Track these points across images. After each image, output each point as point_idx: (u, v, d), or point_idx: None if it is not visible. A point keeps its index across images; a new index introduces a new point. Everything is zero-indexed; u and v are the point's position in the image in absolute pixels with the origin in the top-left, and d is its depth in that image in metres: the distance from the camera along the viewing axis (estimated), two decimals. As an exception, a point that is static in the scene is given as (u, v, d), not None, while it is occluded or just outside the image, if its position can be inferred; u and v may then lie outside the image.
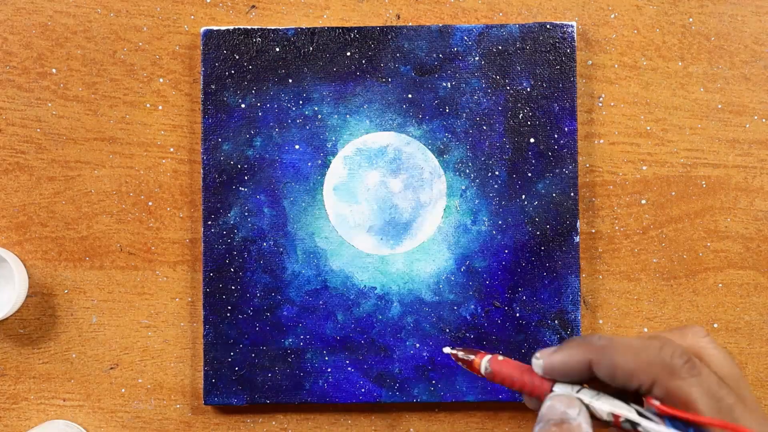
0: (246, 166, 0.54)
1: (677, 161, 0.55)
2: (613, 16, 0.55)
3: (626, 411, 0.40)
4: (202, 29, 0.54)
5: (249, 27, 0.54)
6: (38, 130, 0.55)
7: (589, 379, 0.41)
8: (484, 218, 0.54)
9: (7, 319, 0.55)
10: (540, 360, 0.42)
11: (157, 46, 0.55)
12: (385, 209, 0.54)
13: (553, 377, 0.41)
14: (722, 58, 0.55)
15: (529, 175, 0.54)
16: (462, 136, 0.54)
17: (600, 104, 0.55)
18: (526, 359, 0.54)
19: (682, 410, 0.40)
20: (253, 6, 0.55)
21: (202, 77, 0.54)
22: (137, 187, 0.55)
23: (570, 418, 0.41)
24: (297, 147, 0.54)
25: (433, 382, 0.54)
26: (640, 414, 0.40)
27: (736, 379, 0.40)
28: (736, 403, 0.39)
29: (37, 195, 0.55)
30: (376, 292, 0.54)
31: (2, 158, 0.55)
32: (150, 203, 0.55)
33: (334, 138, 0.54)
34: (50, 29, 0.55)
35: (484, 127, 0.54)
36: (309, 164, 0.54)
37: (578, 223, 0.54)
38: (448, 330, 0.54)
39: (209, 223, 0.54)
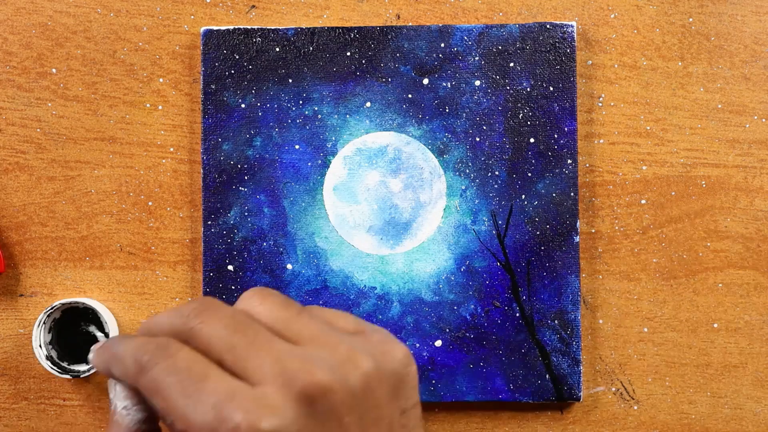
0: (246, 166, 0.54)
1: (677, 161, 0.55)
2: (613, 16, 0.55)
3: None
4: (202, 29, 0.54)
5: (249, 27, 0.54)
6: (38, 130, 0.55)
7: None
8: (484, 218, 0.54)
9: (6, 318, 0.55)
10: (90, 355, 0.40)
11: (157, 46, 0.55)
12: (385, 209, 0.54)
13: (104, 373, 0.41)
14: (722, 58, 0.55)
15: (529, 175, 0.54)
16: (462, 136, 0.54)
17: (600, 104, 0.55)
18: (526, 359, 0.54)
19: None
20: (253, 6, 0.55)
21: (202, 77, 0.54)
22: (137, 187, 0.55)
23: (111, 402, 0.40)
24: (297, 147, 0.54)
25: (433, 382, 0.54)
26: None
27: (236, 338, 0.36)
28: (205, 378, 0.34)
29: (37, 195, 0.55)
30: (376, 292, 0.54)
31: (2, 158, 0.55)
32: (150, 203, 0.55)
33: (334, 138, 0.54)
34: (50, 29, 0.55)
35: (484, 127, 0.54)
36: (309, 164, 0.54)
37: (578, 223, 0.54)
38: (448, 330, 0.54)
39: (209, 223, 0.54)
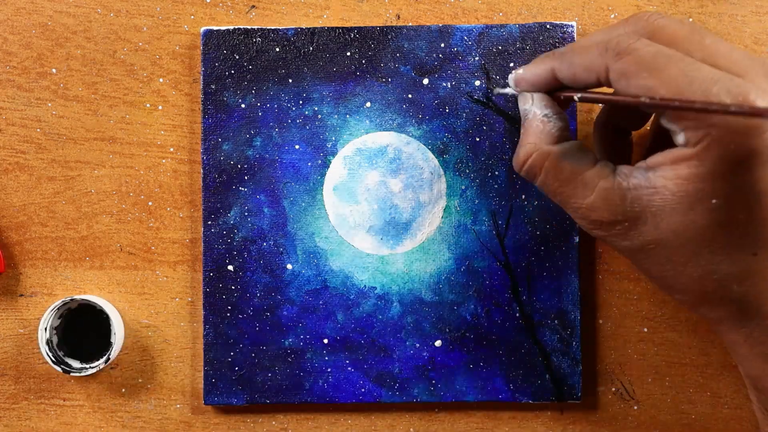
0: (246, 166, 0.54)
1: (677, 161, 0.55)
2: (613, 16, 0.55)
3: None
4: (202, 29, 0.54)
5: (249, 27, 0.54)
6: (38, 130, 0.55)
7: (559, 87, 0.44)
8: (484, 218, 0.54)
9: (6, 318, 0.55)
10: (512, 74, 0.46)
11: (157, 46, 0.55)
12: (385, 209, 0.54)
13: (525, 89, 0.45)
14: (722, 58, 0.55)
15: (529, 175, 0.54)
16: (462, 136, 0.54)
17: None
18: (526, 359, 0.54)
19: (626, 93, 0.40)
20: (253, 6, 0.55)
21: (202, 77, 0.54)
22: (137, 187, 0.55)
23: (527, 112, 0.45)
24: (297, 147, 0.54)
25: (433, 382, 0.54)
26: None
27: (697, 35, 0.40)
28: (684, 59, 0.39)
29: (37, 195, 0.55)
30: (376, 292, 0.54)
31: (2, 158, 0.55)
32: (150, 203, 0.55)
33: (334, 138, 0.54)
34: (50, 29, 0.55)
35: (484, 128, 0.54)
36: (309, 164, 0.54)
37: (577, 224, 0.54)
38: (448, 330, 0.54)
39: (209, 223, 0.54)
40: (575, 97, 0.43)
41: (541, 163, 0.43)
